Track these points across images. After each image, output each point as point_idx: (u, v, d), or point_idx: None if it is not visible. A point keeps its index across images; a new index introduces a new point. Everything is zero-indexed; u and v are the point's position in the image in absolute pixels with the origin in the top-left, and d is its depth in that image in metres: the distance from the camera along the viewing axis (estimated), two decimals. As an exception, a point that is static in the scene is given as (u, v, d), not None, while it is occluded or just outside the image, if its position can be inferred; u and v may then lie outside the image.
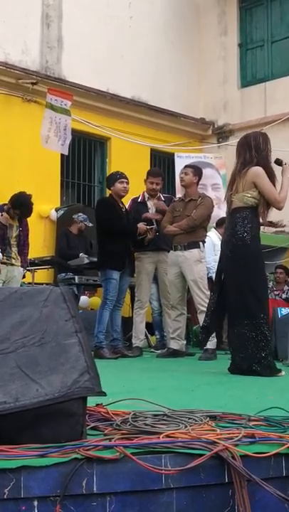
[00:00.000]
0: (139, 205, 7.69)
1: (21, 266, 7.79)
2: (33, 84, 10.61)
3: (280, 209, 5.28)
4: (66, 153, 9.59)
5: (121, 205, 7.43)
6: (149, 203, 7.70)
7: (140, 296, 7.62)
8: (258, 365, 5.05)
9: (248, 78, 13.24)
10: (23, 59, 10.73)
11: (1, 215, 7.53)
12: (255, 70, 13.22)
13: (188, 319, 8.02)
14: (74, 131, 9.56)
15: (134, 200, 7.73)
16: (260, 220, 5.33)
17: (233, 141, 12.64)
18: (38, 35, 11.06)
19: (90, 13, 11.50)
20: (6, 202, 7.70)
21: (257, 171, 5.16)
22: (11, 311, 2.21)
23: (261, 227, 5.55)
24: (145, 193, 7.78)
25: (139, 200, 7.73)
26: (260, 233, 5.49)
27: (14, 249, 7.68)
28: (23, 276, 8.12)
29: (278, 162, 5.45)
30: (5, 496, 1.80)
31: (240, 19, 13.39)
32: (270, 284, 9.70)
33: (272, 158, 5.34)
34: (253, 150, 5.23)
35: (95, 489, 1.89)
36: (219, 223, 8.70)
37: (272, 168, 5.25)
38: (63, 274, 9.25)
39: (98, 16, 11.62)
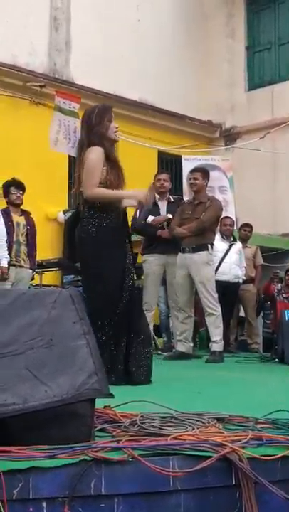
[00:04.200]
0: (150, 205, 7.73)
1: (30, 268, 7.78)
2: (41, 86, 10.65)
3: (83, 195, 4.42)
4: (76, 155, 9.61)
5: None
6: (160, 203, 7.72)
7: (147, 299, 7.60)
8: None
9: (256, 81, 13.25)
10: (31, 61, 10.77)
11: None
12: (262, 73, 13.22)
13: (195, 322, 8.02)
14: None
15: None
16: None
17: (241, 143, 12.68)
18: (46, 37, 11.10)
19: (97, 16, 11.52)
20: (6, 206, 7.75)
21: (93, 149, 4.40)
22: (19, 313, 2.22)
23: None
24: (155, 195, 7.81)
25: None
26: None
27: (23, 249, 7.65)
28: (32, 278, 8.13)
29: None
30: (14, 497, 1.81)
31: (247, 22, 13.40)
32: (279, 287, 9.68)
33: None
34: (87, 125, 4.55)
35: (103, 491, 1.90)
36: None
37: (108, 143, 4.49)
38: (71, 276, 9.31)
39: (106, 19, 11.64)
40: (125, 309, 4.42)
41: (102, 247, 4.41)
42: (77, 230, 4.53)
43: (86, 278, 4.67)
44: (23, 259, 7.65)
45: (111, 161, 4.46)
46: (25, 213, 7.87)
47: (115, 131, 4.52)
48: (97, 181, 4.37)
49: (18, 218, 7.69)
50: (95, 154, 4.38)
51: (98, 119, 4.50)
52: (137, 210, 7.58)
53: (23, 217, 7.77)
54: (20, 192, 7.73)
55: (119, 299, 4.39)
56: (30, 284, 8.22)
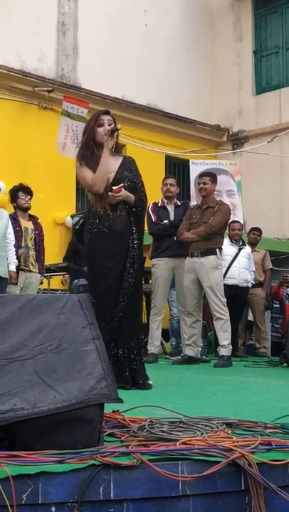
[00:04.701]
0: (160, 209, 7.74)
1: (38, 272, 7.80)
2: (49, 91, 10.68)
3: (97, 193, 4.48)
4: None
5: None
6: (169, 207, 7.74)
7: (156, 303, 7.61)
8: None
9: (263, 85, 13.23)
10: (39, 67, 10.80)
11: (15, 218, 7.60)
12: (270, 77, 13.20)
13: (203, 325, 8.01)
14: (89, 138, 9.60)
15: (155, 204, 7.76)
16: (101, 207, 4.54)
17: (248, 147, 12.67)
18: (54, 43, 11.13)
19: (105, 20, 11.55)
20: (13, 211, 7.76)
21: (75, 164, 4.63)
22: (28, 318, 2.23)
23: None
24: (163, 199, 7.83)
25: (159, 205, 7.78)
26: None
27: (32, 253, 7.68)
28: (41, 283, 8.15)
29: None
30: (23, 502, 1.81)
31: (255, 26, 13.39)
32: (288, 291, 9.64)
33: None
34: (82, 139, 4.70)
35: (112, 495, 1.90)
36: None
37: (93, 149, 4.54)
38: (76, 281, 9.35)
39: (113, 24, 11.67)
40: (127, 314, 4.43)
41: (93, 253, 4.52)
42: None
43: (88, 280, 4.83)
44: (32, 264, 7.67)
45: (94, 164, 4.49)
46: (33, 218, 7.89)
47: (105, 134, 4.50)
48: (89, 176, 4.48)
49: (26, 223, 7.72)
50: (76, 167, 4.64)
51: (86, 127, 4.63)
52: (151, 213, 7.59)
53: (30, 222, 7.79)
54: (28, 197, 7.76)
55: (117, 304, 4.40)
56: (39, 289, 8.24)
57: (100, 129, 4.52)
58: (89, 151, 4.53)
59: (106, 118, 4.56)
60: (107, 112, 4.65)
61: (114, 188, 4.46)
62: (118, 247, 4.50)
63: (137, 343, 4.52)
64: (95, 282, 4.54)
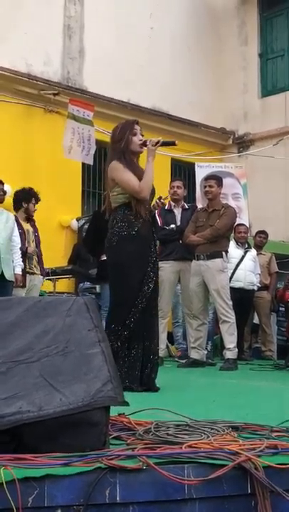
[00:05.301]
0: (166, 212, 7.73)
1: (41, 274, 7.82)
2: (54, 95, 10.70)
3: (142, 199, 4.59)
4: (91, 163, 9.65)
5: None
6: (176, 211, 7.73)
7: (161, 306, 7.58)
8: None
9: (269, 88, 13.23)
10: (45, 70, 10.82)
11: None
12: (275, 80, 13.20)
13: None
14: (95, 141, 9.62)
15: (162, 207, 7.73)
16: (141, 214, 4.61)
17: (254, 150, 12.66)
18: (60, 46, 11.15)
19: (111, 24, 11.57)
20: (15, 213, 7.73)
21: (111, 166, 4.66)
22: (34, 321, 2.23)
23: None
24: (170, 202, 7.82)
25: (166, 208, 7.77)
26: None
27: (35, 256, 7.70)
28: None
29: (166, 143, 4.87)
30: (29, 505, 1.81)
31: (260, 29, 13.38)
32: None
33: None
34: (111, 144, 4.79)
35: (118, 499, 1.89)
36: None
37: (130, 156, 4.67)
38: (82, 284, 9.37)
39: (119, 27, 11.68)
40: (141, 316, 4.52)
41: (121, 255, 4.59)
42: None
43: (110, 283, 4.90)
44: (35, 266, 7.70)
45: (133, 173, 4.60)
46: (32, 221, 7.90)
47: (140, 143, 4.68)
48: (136, 182, 4.55)
49: (26, 226, 7.73)
50: (115, 169, 4.61)
51: (119, 135, 4.71)
52: (158, 217, 7.58)
53: (29, 225, 7.81)
54: (36, 204, 7.79)
55: (135, 306, 4.50)
56: (44, 291, 8.25)
57: (135, 138, 4.68)
58: (127, 157, 4.64)
59: (138, 128, 4.75)
60: (137, 122, 4.85)
61: (168, 195, 4.70)
62: (143, 250, 4.61)
63: (154, 344, 4.58)
64: (118, 285, 4.64)
